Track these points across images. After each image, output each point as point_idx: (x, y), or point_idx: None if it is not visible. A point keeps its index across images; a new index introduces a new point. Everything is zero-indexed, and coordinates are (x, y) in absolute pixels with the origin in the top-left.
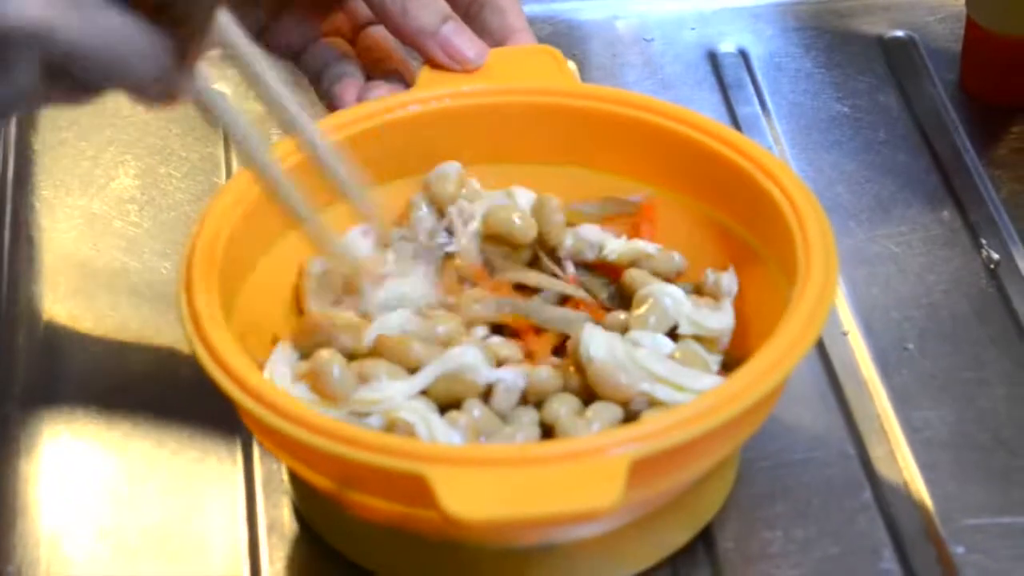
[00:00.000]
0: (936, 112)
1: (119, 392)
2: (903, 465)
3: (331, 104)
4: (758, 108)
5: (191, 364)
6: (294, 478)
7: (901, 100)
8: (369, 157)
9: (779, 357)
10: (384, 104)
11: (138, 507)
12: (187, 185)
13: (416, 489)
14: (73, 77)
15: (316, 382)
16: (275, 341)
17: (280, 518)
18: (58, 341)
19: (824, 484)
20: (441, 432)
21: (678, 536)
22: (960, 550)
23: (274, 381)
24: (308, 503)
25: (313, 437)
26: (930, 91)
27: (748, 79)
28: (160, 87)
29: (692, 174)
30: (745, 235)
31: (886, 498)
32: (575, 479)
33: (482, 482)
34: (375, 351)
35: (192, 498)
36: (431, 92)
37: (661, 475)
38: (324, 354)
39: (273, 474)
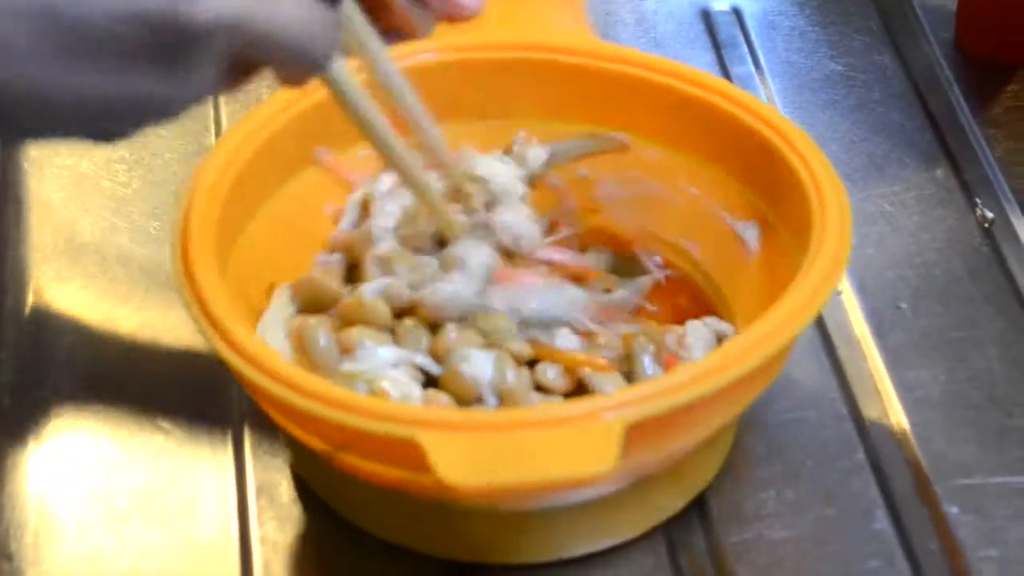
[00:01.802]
0: (931, 70)
1: (108, 354)
2: (896, 425)
3: None
4: (751, 67)
5: (181, 324)
6: (290, 437)
7: (896, 58)
8: None
9: (780, 324)
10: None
11: (127, 469)
12: (176, 145)
13: (410, 454)
14: (240, 64)
15: (301, 349)
16: (271, 291)
17: (270, 480)
18: (46, 302)
19: (817, 445)
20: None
21: (673, 502)
22: (953, 510)
23: (267, 336)
24: (303, 462)
25: (307, 402)
26: (925, 49)
27: (741, 37)
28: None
29: (703, 136)
30: (755, 199)
31: (879, 458)
32: (570, 444)
33: (477, 447)
34: (352, 315)
35: (182, 460)
36: (430, 45)
37: (657, 440)
38: (311, 321)
39: (264, 437)
